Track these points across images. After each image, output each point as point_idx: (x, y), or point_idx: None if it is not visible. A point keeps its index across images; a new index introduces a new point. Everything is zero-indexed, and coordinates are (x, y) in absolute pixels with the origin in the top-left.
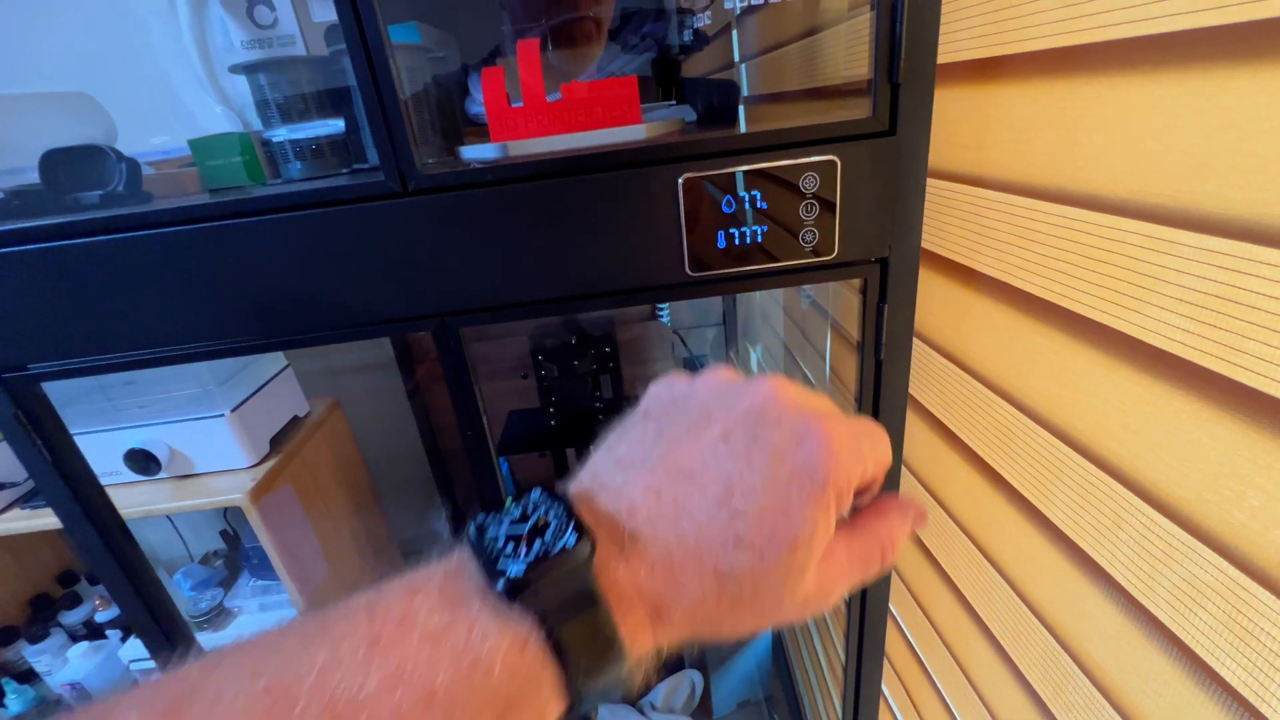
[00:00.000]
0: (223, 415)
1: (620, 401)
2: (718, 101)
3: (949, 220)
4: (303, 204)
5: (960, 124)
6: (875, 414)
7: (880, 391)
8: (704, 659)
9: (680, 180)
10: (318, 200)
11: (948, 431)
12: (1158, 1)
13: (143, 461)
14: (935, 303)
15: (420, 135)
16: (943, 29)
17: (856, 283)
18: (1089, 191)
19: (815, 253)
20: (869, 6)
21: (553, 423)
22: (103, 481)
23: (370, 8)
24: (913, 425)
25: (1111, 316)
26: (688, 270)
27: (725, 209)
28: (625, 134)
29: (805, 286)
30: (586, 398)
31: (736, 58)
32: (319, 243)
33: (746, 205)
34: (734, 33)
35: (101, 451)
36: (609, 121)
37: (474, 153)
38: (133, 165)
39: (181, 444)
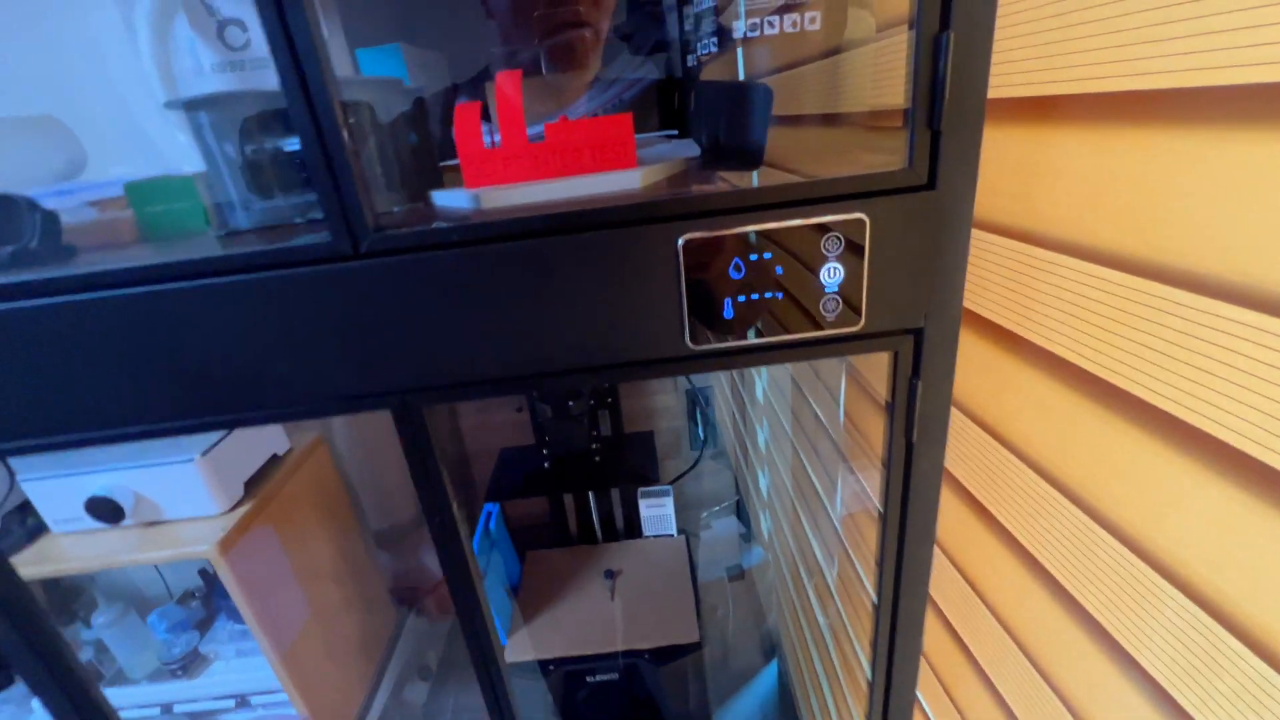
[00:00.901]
0: (192, 460)
1: (620, 440)
2: (726, 133)
3: (990, 278)
4: (239, 268)
5: (1005, 169)
6: (904, 500)
7: (910, 475)
8: (708, 709)
9: (681, 241)
10: (256, 263)
11: (985, 511)
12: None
13: (105, 510)
14: (973, 367)
15: (389, 179)
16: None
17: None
18: (1172, 264)
19: (839, 323)
20: (907, 25)
21: (546, 464)
22: (64, 529)
23: (311, 48)
24: (945, 500)
25: (1193, 413)
26: (688, 342)
27: (733, 274)
28: (618, 181)
29: None
30: (583, 436)
31: (741, 77)
32: (260, 310)
33: (758, 270)
34: (739, 50)
35: (62, 498)
36: (599, 165)
37: (446, 199)
38: (49, 217)
39: (148, 490)
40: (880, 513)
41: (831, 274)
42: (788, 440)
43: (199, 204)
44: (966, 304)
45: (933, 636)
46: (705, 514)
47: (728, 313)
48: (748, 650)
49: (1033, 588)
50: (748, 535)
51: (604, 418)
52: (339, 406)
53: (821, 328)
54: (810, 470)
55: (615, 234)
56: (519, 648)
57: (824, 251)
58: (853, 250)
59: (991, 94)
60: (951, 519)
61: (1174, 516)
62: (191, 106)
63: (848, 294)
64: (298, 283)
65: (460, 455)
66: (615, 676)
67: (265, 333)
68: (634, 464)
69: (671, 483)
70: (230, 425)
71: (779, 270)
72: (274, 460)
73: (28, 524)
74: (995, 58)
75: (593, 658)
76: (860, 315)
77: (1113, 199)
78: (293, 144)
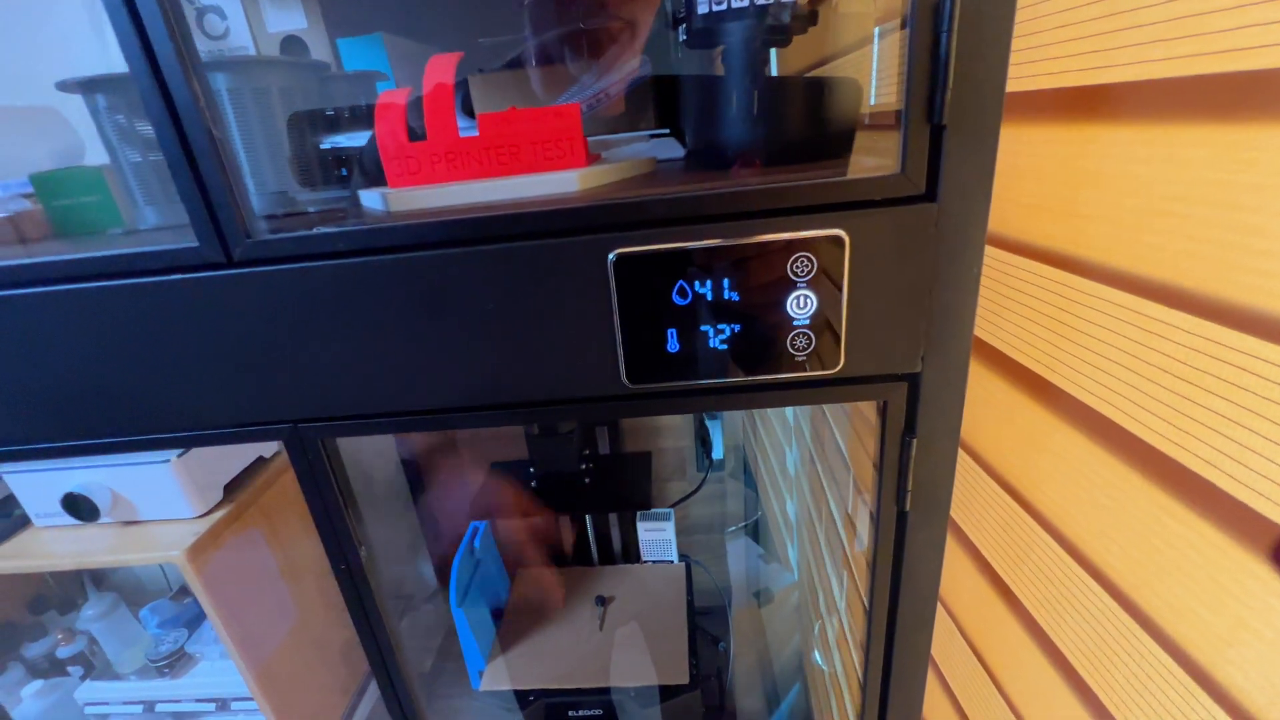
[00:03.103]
0: (168, 461)
1: (614, 461)
2: (702, 130)
3: (1018, 309)
4: (93, 274)
5: (1040, 178)
6: (895, 585)
7: (903, 555)
8: None
9: (612, 257)
10: (116, 269)
11: (1004, 587)
12: None
13: (81, 507)
14: (991, 412)
15: (308, 173)
16: (1020, 42)
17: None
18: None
19: (811, 364)
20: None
21: (533, 483)
22: (45, 523)
23: (159, 14)
24: (955, 564)
25: None
26: (625, 380)
27: (677, 299)
28: (554, 183)
29: None
30: (572, 457)
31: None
32: (122, 323)
33: (708, 295)
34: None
35: (40, 492)
36: (542, 164)
37: (370, 199)
38: None
39: (125, 489)
40: (867, 595)
41: (802, 303)
42: (812, 464)
43: (109, 198)
44: (987, 338)
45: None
46: (727, 532)
47: (672, 346)
48: (752, 689)
49: (1061, 687)
50: (766, 558)
51: (602, 435)
52: (217, 436)
53: (791, 369)
54: (832, 501)
55: (532, 246)
56: (498, 675)
57: (792, 275)
58: (829, 274)
59: (1026, 85)
60: (964, 587)
61: (1275, 661)
62: (89, 88)
63: (822, 329)
64: (169, 292)
65: (455, 465)
66: (599, 713)
67: (130, 348)
68: (625, 489)
69: (674, 505)
70: (96, 451)
71: (735, 297)
72: (260, 463)
73: (13, 515)
74: (1033, 40)
75: (575, 691)
76: (839, 355)
77: (1187, 214)
78: None
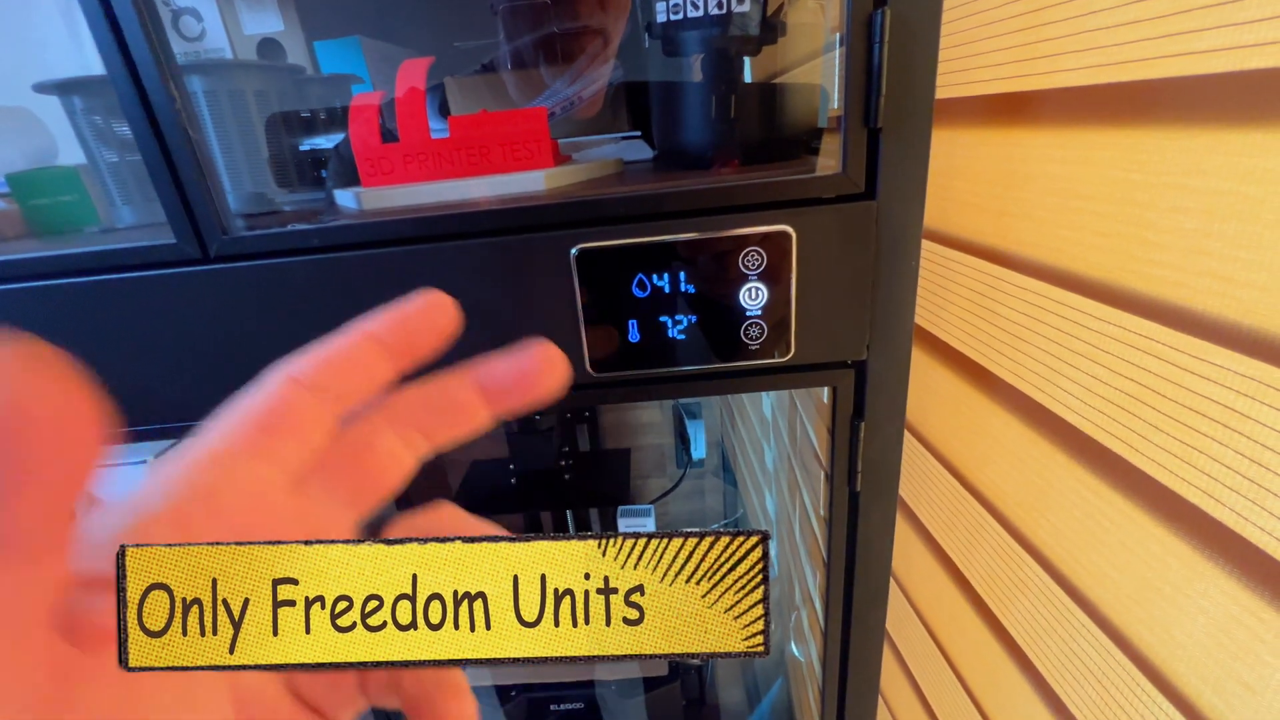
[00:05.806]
0: (145, 461)
1: (594, 458)
2: (668, 133)
3: (959, 301)
4: (72, 270)
5: (975, 178)
6: (850, 563)
7: (856, 535)
8: None
9: (574, 252)
10: (92, 265)
11: (953, 566)
12: None
13: None
14: (936, 399)
15: (284, 172)
16: (955, 51)
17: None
18: (1163, 298)
19: (764, 352)
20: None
21: (513, 481)
22: None
23: (135, 16)
24: (909, 546)
25: (1212, 500)
26: (588, 369)
27: (637, 292)
28: (522, 183)
29: None
30: (550, 453)
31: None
32: (106, 318)
33: (665, 288)
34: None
35: None
36: (510, 164)
37: (344, 198)
38: None
39: (101, 489)
40: (824, 576)
41: (753, 295)
42: (789, 460)
43: (86, 197)
44: (929, 327)
45: (906, 706)
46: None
47: (633, 336)
48: (733, 682)
49: (1005, 664)
50: None
51: (581, 433)
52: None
53: (745, 357)
54: (805, 493)
55: (499, 242)
56: (479, 671)
57: (743, 269)
58: (778, 268)
59: (962, 90)
60: (916, 566)
61: (1175, 618)
62: (66, 90)
63: (773, 319)
64: (144, 288)
65: (437, 463)
66: (580, 707)
67: (109, 343)
68: (604, 485)
69: (653, 502)
70: None
71: (690, 289)
72: None
73: None
74: (969, 50)
75: (556, 685)
76: (790, 344)
77: (1098, 214)
78: None
